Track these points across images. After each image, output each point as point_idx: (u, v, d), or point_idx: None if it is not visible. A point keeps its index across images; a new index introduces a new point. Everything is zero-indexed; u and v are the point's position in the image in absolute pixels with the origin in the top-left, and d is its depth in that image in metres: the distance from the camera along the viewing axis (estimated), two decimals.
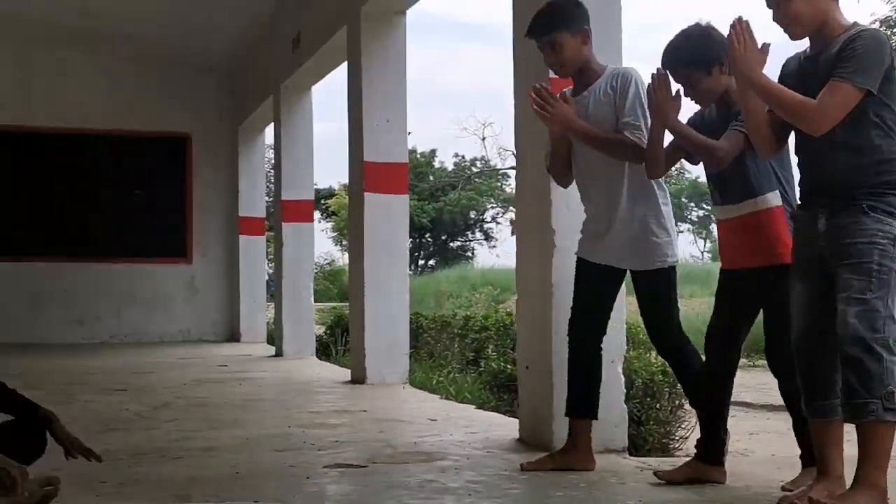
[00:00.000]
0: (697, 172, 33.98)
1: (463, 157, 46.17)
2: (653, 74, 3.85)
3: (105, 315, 12.88)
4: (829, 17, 3.30)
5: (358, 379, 7.76)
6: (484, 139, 41.00)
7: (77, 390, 7.27)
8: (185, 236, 13.24)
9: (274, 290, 11.25)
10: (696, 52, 3.80)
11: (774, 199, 3.69)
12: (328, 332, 13.93)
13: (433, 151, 45.63)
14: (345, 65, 8.28)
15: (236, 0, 10.40)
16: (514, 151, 5.23)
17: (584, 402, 4.19)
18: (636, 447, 5.86)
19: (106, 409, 6.24)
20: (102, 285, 12.84)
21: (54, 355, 10.61)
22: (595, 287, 4.21)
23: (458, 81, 75.25)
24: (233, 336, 13.16)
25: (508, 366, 9.58)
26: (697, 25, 3.88)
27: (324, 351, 12.56)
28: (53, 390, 7.23)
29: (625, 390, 4.79)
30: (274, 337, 11.54)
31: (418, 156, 42.35)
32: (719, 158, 3.70)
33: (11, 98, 12.50)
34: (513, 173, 38.28)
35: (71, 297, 12.69)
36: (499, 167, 44.15)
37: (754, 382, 11.08)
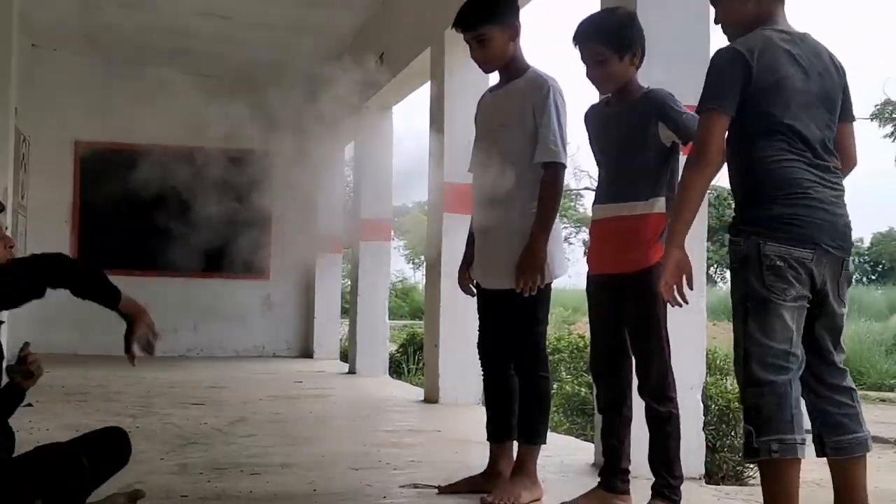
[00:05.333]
0: None
1: None
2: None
3: (182, 329, 13.05)
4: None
5: (431, 398, 7.77)
6: None
7: (156, 403, 7.36)
8: (264, 252, 13.34)
9: (350, 307, 11.29)
10: (616, 32, 3.65)
11: None
12: (400, 350, 13.99)
13: None
14: (426, 85, 8.31)
15: (321, 18, 10.50)
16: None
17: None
18: (710, 475, 5.79)
19: (184, 423, 6.31)
20: (180, 299, 12.99)
21: (134, 367, 10.75)
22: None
23: None
24: (306, 352, 13.28)
25: (582, 389, 9.52)
26: (623, 8, 3.79)
27: (395, 369, 12.60)
28: (133, 403, 7.36)
29: (702, 417, 4.73)
30: (347, 354, 11.60)
31: None
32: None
33: (106, 116, 12.65)
34: (587, 194, 37.72)
35: (151, 311, 12.83)
36: (573, 187, 43.96)
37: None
